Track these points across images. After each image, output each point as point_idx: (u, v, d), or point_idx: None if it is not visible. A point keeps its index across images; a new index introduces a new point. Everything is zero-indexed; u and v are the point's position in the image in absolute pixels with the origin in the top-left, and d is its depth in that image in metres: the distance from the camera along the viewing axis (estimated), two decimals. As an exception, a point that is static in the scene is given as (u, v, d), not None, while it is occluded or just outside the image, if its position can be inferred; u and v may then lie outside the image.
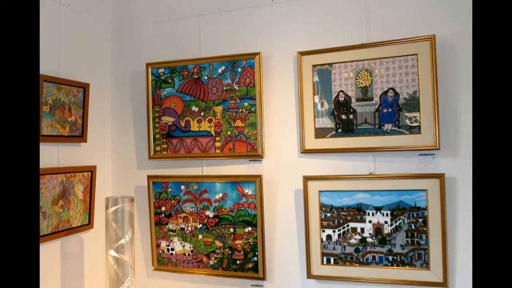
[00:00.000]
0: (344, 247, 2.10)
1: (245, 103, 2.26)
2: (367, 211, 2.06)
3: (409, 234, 2.00)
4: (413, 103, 1.98)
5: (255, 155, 2.24)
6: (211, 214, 2.34)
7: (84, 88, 2.33)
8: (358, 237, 2.08)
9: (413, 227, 1.99)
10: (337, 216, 2.11)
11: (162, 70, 2.44)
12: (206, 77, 2.35)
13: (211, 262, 2.34)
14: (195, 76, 2.37)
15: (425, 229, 1.97)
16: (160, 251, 2.45)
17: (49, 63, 2.19)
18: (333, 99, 2.13)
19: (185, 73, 2.39)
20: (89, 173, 2.38)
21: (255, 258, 2.24)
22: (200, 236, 2.36)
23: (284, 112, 2.26)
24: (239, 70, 2.28)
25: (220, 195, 2.32)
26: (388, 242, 2.03)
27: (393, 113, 2.02)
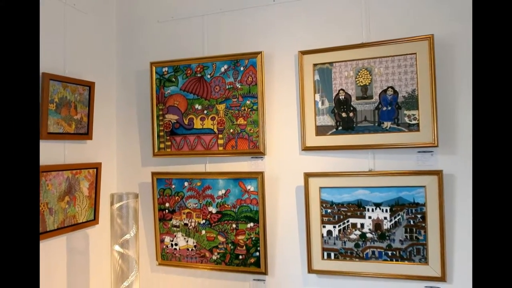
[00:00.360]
0: (344, 242, 2.13)
1: (247, 101, 2.30)
2: (366, 207, 2.09)
3: (408, 230, 2.02)
4: (412, 101, 2.01)
5: (257, 152, 2.27)
6: (214, 210, 2.37)
7: (90, 86, 2.37)
8: (358, 232, 2.11)
9: (412, 222, 2.01)
10: (337, 212, 2.14)
11: (166, 69, 2.47)
12: (209, 76, 2.38)
13: (214, 257, 2.37)
14: (198, 75, 2.40)
15: (423, 224, 1.99)
16: (164, 246, 2.49)
17: (55, 62, 2.22)
18: (333, 97, 2.16)
19: (189, 72, 2.43)
20: (95, 169, 2.41)
21: (257, 253, 2.28)
22: (203, 232, 2.40)
23: (285, 110, 2.30)
24: (242, 69, 2.31)
25: (223, 191, 2.35)
26: (387, 238, 2.06)
27: (392, 111, 2.05)
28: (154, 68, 2.49)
